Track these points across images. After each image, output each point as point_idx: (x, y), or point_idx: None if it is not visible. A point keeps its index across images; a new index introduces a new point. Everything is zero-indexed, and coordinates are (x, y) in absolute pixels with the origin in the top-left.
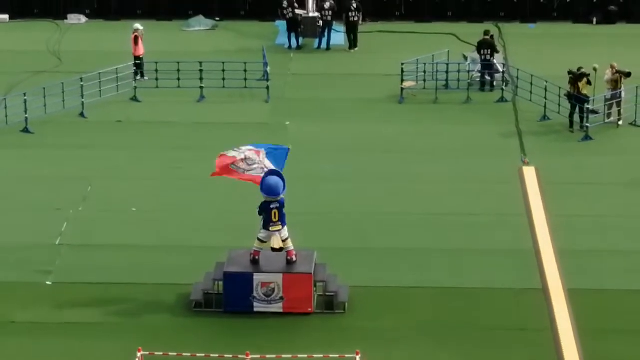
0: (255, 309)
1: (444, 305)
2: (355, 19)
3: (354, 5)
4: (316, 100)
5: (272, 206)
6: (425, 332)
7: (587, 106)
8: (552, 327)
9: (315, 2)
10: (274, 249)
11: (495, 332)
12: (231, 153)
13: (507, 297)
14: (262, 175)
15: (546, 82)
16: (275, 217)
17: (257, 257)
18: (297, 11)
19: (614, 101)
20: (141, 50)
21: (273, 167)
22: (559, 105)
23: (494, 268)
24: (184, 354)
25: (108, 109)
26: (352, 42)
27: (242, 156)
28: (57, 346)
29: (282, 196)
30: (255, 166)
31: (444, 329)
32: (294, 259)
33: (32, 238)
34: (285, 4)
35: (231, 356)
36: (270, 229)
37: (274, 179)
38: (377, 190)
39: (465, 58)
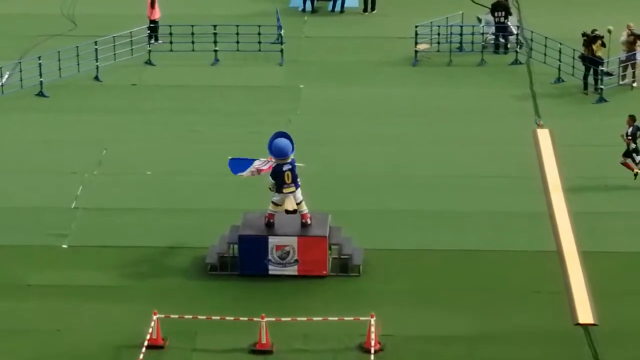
0: (270, 272)
1: (458, 267)
2: None
3: None
4: (330, 63)
5: (284, 168)
6: (439, 295)
7: (601, 68)
8: (567, 289)
9: None
10: (288, 211)
11: (509, 293)
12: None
13: (521, 259)
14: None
15: (560, 44)
16: (288, 179)
17: (271, 220)
18: None
19: (629, 63)
20: (157, 13)
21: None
22: (573, 67)
23: (508, 230)
24: (199, 317)
25: (122, 72)
26: (370, 5)
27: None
28: (73, 309)
29: (292, 157)
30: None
31: (458, 291)
32: (309, 221)
33: (47, 201)
34: None
35: (246, 319)
36: (284, 190)
37: (282, 141)
38: (391, 153)
39: (479, 20)
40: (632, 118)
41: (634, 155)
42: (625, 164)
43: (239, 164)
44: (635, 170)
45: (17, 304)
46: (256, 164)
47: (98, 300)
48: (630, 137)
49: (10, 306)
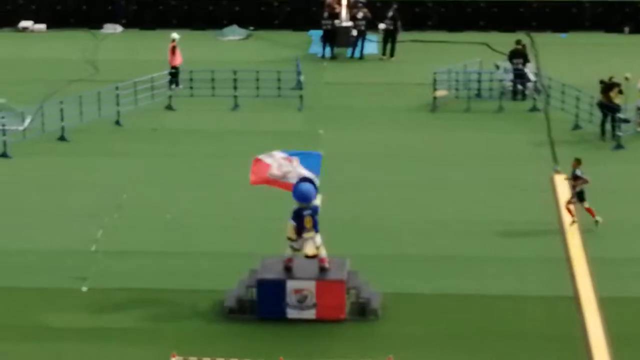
0: (289, 316)
1: (476, 312)
2: (391, 27)
3: (390, 14)
4: (349, 108)
5: (304, 213)
6: (456, 339)
7: (619, 115)
8: (584, 336)
9: (348, 12)
10: (307, 256)
11: (526, 340)
12: (267, 159)
13: (538, 305)
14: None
15: (578, 91)
16: (308, 224)
17: (290, 265)
18: (336, 22)
19: None
20: (178, 59)
21: (307, 174)
22: (591, 114)
23: (525, 276)
24: None
25: (143, 117)
26: (390, 52)
27: (277, 164)
28: (92, 351)
29: (315, 203)
30: (290, 175)
31: (475, 337)
32: (327, 266)
33: (67, 244)
34: (325, 14)
35: None
36: (304, 235)
37: (306, 186)
38: (409, 198)
39: (497, 67)
40: (577, 161)
41: (576, 197)
42: (587, 210)
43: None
44: (597, 218)
45: (36, 346)
46: (281, 161)
47: (117, 342)
48: (573, 179)
49: (29, 348)
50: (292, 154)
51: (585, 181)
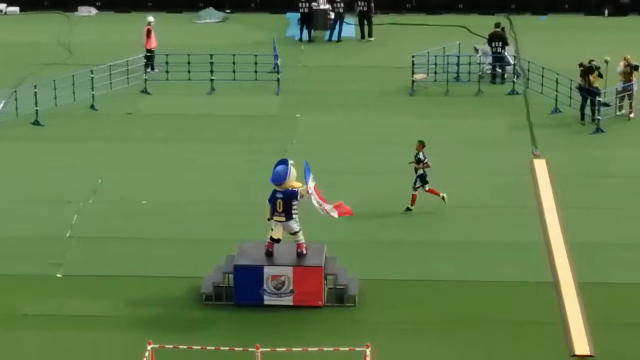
0: (266, 302)
1: (454, 298)
2: (365, 9)
3: None
4: (327, 92)
5: (277, 195)
6: (435, 325)
7: (599, 99)
8: (563, 320)
9: None
10: (272, 238)
11: (505, 325)
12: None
13: (517, 289)
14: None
15: (557, 74)
16: (279, 207)
17: (271, 250)
18: (313, 4)
19: (626, 93)
20: (153, 43)
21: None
22: (570, 97)
23: (504, 261)
24: (194, 347)
25: (118, 101)
26: (368, 32)
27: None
28: (68, 338)
29: (289, 187)
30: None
31: (453, 322)
32: (304, 251)
33: (42, 230)
34: None
35: (241, 349)
36: (275, 218)
37: (280, 167)
38: (388, 182)
39: (476, 50)
40: (421, 144)
41: (418, 180)
42: (430, 191)
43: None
44: (442, 195)
45: (11, 334)
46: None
47: (93, 330)
48: (417, 162)
49: (4, 336)
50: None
51: (427, 165)
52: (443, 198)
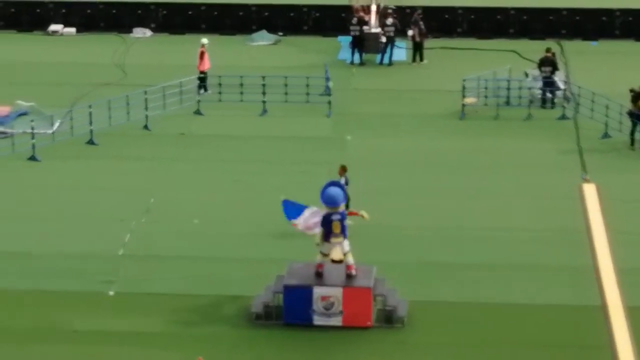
0: (315, 322)
1: (501, 321)
2: (414, 34)
3: (421, 19)
4: (377, 115)
5: (333, 217)
6: (483, 348)
7: None
8: (611, 345)
9: (377, 18)
10: (334, 261)
11: (553, 349)
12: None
13: (565, 313)
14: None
15: (607, 99)
16: (336, 229)
17: (321, 270)
18: (365, 28)
19: None
20: (207, 65)
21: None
22: (620, 123)
23: (553, 284)
24: None
25: (171, 122)
26: (419, 56)
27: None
28: (118, 355)
29: (343, 207)
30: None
31: (501, 346)
32: (354, 273)
33: (95, 248)
34: (354, 21)
35: None
36: (332, 240)
37: (334, 189)
38: (437, 205)
39: (527, 75)
40: (343, 168)
41: None
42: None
43: (291, 208)
44: (361, 213)
45: (63, 349)
46: (306, 213)
47: (143, 347)
48: None
49: (56, 351)
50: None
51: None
52: (363, 216)
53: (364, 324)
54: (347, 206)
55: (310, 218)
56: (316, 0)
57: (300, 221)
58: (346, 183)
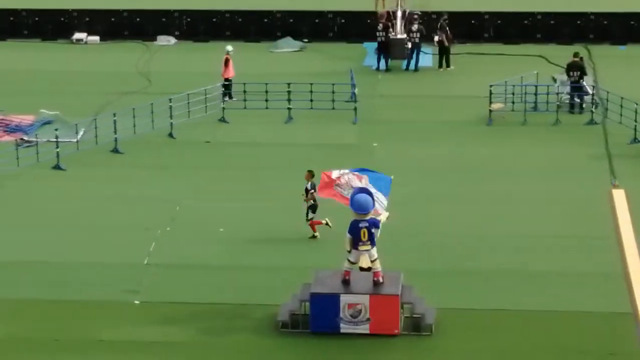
0: (342, 330)
1: (531, 328)
2: (442, 39)
3: (446, 23)
4: (404, 121)
5: (361, 225)
6: (511, 355)
7: None
8: None
9: (403, 24)
10: (362, 269)
11: (583, 356)
12: (335, 173)
13: (595, 320)
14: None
15: (636, 104)
16: (364, 237)
17: (347, 277)
18: (391, 34)
19: None
20: (231, 72)
21: (381, 197)
22: None
23: (582, 291)
24: None
25: (196, 129)
26: (446, 62)
27: (345, 179)
28: None
29: (372, 215)
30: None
31: (531, 353)
32: (381, 280)
33: (120, 257)
34: (380, 27)
35: None
36: (360, 248)
37: (363, 196)
38: (465, 212)
39: (554, 80)
40: (310, 173)
41: (309, 212)
42: (311, 223)
43: (383, 185)
44: (325, 221)
45: (90, 359)
46: (350, 177)
47: (168, 356)
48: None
49: None
50: (362, 172)
51: (313, 197)
52: (327, 224)
53: (391, 332)
54: (313, 211)
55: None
56: (341, 6)
57: (344, 179)
58: (312, 188)
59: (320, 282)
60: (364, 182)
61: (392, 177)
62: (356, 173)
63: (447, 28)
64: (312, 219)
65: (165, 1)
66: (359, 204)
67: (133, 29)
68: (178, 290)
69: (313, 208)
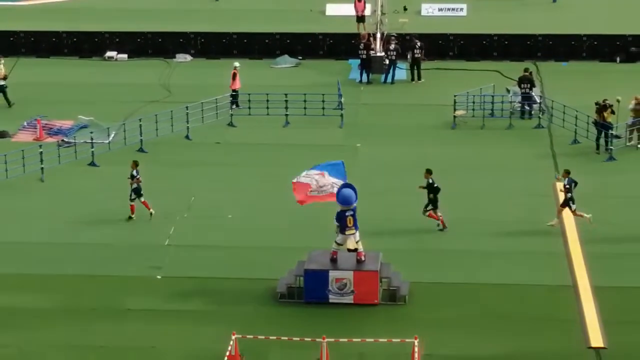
0: (331, 300)
1: (489, 299)
2: (418, 55)
3: (418, 44)
4: (383, 126)
5: (347, 214)
6: (472, 321)
7: (611, 132)
8: (581, 319)
9: (382, 44)
10: (349, 250)
11: (531, 321)
12: (302, 179)
13: (541, 292)
14: (334, 191)
15: (576, 111)
16: (349, 223)
17: (335, 257)
18: (371, 52)
19: (635, 127)
20: (238, 84)
21: (340, 182)
22: (587, 131)
23: (531, 267)
24: (271, 337)
25: (209, 132)
26: (417, 75)
27: (314, 182)
28: (165, 330)
29: (354, 205)
30: (325, 187)
31: (488, 319)
32: (363, 258)
33: (145, 239)
34: (361, 46)
35: (310, 339)
36: (346, 233)
37: (348, 191)
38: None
39: (508, 91)
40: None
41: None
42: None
43: (338, 171)
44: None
45: (118, 325)
46: (316, 177)
47: (186, 322)
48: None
49: (112, 327)
50: (320, 168)
51: (139, 180)
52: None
53: (372, 302)
54: (140, 196)
55: (321, 188)
56: (330, 29)
57: (314, 183)
58: (136, 175)
59: (312, 260)
60: (326, 176)
61: (342, 160)
62: (316, 172)
63: (419, 44)
64: (134, 199)
65: (183, 24)
66: (344, 198)
67: (156, 48)
68: (193, 266)
69: (137, 191)
